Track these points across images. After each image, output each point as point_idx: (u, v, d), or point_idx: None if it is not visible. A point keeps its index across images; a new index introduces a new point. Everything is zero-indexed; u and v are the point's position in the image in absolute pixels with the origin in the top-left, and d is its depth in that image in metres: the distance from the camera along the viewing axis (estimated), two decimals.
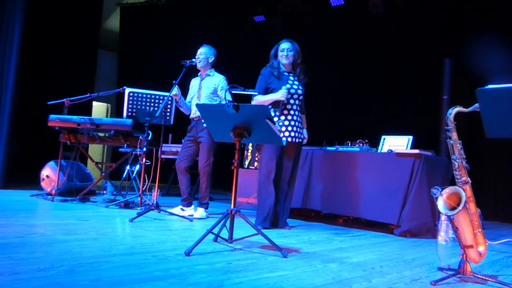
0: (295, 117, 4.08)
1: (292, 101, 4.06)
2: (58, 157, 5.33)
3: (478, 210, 2.54)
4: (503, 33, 6.25)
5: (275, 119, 4.04)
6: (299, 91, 4.09)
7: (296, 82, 4.11)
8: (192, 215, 4.48)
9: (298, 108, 4.12)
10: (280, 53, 4.13)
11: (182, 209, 4.60)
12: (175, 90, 4.51)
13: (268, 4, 9.05)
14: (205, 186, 4.57)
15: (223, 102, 4.56)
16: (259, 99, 3.97)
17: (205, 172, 4.55)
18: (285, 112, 4.05)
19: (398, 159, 4.35)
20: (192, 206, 4.66)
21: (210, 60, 4.69)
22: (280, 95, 3.93)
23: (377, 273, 2.52)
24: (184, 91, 4.75)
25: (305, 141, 4.23)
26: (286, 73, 4.13)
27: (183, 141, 4.71)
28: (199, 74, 4.76)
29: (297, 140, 4.09)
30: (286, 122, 4.04)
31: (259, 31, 9.39)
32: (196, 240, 2.75)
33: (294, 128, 4.06)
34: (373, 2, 7.64)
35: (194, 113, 4.60)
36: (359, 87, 7.60)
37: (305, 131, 4.24)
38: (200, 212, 4.51)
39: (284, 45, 4.14)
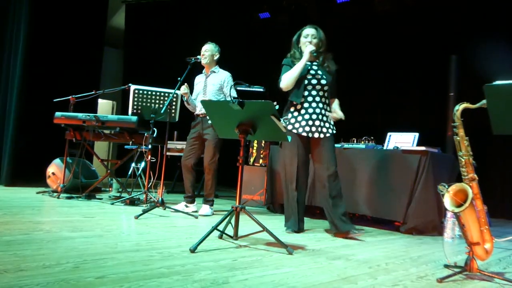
0: (317, 110, 3.68)
1: (314, 92, 3.70)
2: (64, 154, 5.34)
3: (485, 207, 2.52)
4: (510, 29, 6.21)
5: (292, 108, 3.75)
6: (323, 81, 3.70)
7: (320, 72, 3.73)
8: (195, 211, 4.50)
9: (323, 100, 3.72)
10: (303, 40, 3.78)
11: (186, 206, 4.61)
12: (185, 88, 4.52)
13: (273, 1, 9.02)
14: (210, 183, 4.58)
15: (228, 98, 4.58)
16: (286, 75, 3.66)
17: (210, 169, 4.55)
18: (305, 104, 3.70)
19: (404, 156, 4.33)
20: (195, 203, 4.68)
21: (215, 57, 4.70)
22: (306, 55, 3.63)
23: (382, 270, 2.51)
24: (190, 87, 4.74)
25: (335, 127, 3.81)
26: (308, 62, 3.75)
27: (187, 138, 4.71)
28: (203, 71, 4.75)
29: (310, 135, 3.68)
30: (305, 115, 3.69)
31: (265, 28, 9.38)
32: (201, 237, 2.75)
33: (310, 122, 3.67)
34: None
35: (200, 110, 4.60)
36: (365, 84, 7.57)
37: (339, 112, 3.78)
38: (206, 209, 4.51)
39: (308, 31, 3.78)
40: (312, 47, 3.68)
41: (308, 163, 3.86)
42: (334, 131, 3.78)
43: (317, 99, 3.71)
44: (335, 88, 3.83)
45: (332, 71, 3.79)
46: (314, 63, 3.79)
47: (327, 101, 3.77)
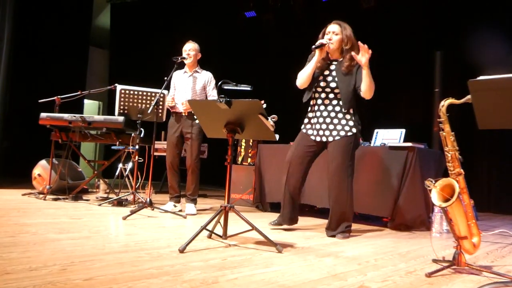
0: (324, 113, 3.56)
1: (323, 95, 3.57)
2: (50, 155, 5.28)
3: (472, 201, 2.54)
4: (494, 24, 6.28)
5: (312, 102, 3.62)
6: (332, 84, 3.54)
7: (334, 73, 3.56)
8: (181, 210, 4.51)
9: (333, 103, 3.56)
10: (325, 37, 3.57)
11: (175, 205, 4.61)
12: (171, 102, 4.56)
13: None
14: (194, 182, 4.58)
15: (210, 98, 4.59)
16: (299, 74, 3.56)
17: (194, 168, 4.55)
18: (315, 107, 3.62)
19: (391, 152, 4.35)
20: (181, 203, 4.68)
21: (198, 57, 4.71)
22: (317, 54, 3.49)
23: (372, 267, 2.52)
24: (167, 86, 4.73)
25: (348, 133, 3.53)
26: (329, 60, 3.61)
27: (168, 137, 4.69)
28: (185, 69, 4.73)
29: (317, 139, 3.60)
30: (310, 116, 3.65)
31: (251, 26, 9.37)
32: (190, 237, 2.74)
33: (317, 126, 3.59)
34: None
35: (184, 107, 4.56)
36: None
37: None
38: (191, 208, 4.51)
39: (330, 27, 3.58)
40: (324, 41, 3.49)
41: (306, 162, 3.69)
42: (349, 133, 3.52)
43: (326, 101, 3.58)
44: (357, 84, 3.51)
45: (352, 74, 3.52)
46: (334, 62, 3.62)
47: (340, 103, 3.55)
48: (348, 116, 3.56)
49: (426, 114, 6.26)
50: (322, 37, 3.59)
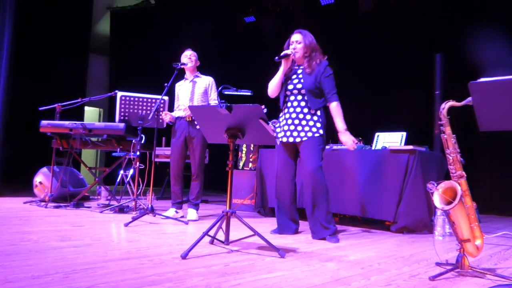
0: (293, 115, 3.66)
1: (292, 97, 3.69)
2: (51, 163, 5.28)
3: (474, 203, 2.53)
4: (494, 26, 6.28)
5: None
6: (298, 85, 3.66)
7: (300, 76, 3.70)
8: (183, 217, 4.49)
9: (301, 104, 3.65)
10: (290, 46, 3.73)
11: (177, 212, 4.59)
12: (168, 117, 4.57)
13: (258, 4, 9.05)
14: (198, 188, 4.57)
15: (212, 102, 4.59)
16: (270, 84, 3.73)
17: (198, 174, 4.55)
18: (285, 109, 3.73)
19: (393, 155, 4.35)
20: (182, 208, 4.67)
21: (197, 64, 4.72)
22: (283, 64, 3.66)
23: (375, 271, 2.51)
24: (173, 94, 4.74)
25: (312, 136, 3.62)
26: (296, 67, 3.77)
27: (172, 143, 4.68)
28: (185, 76, 4.74)
29: (290, 140, 3.67)
30: (283, 121, 3.73)
31: (251, 31, 9.39)
32: (192, 243, 2.73)
33: (285, 127, 3.69)
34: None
35: (186, 113, 4.56)
36: (351, 85, 7.60)
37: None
38: (193, 213, 4.51)
39: (293, 37, 3.74)
40: (288, 51, 3.65)
41: (290, 165, 3.79)
42: (316, 134, 3.60)
43: (295, 103, 3.68)
44: (326, 91, 3.65)
45: (315, 74, 3.64)
46: (302, 67, 3.75)
47: (308, 105, 3.65)
48: (315, 118, 3.65)
49: (427, 117, 6.25)
50: (287, 47, 3.74)
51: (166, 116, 4.58)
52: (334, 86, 3.69)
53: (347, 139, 3.60)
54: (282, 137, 3.72)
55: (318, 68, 3.66)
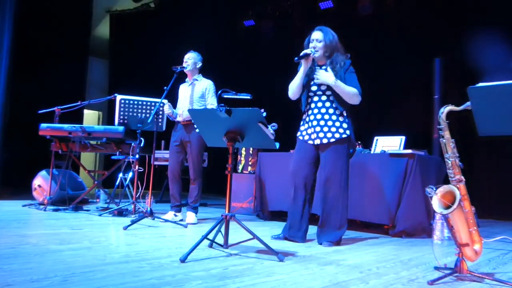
0: (318, 116, 3.54)
1: (316, 98, 3.57)
2: (50, 166, 5.28)
3: (473, 208, 2.54)
4: (493, 30, 6.29)
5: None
6: (323, 87, 3.54)
7: None
8: (182, 220, 4.49)
9: (326, 105, 3.54)
10: (310, 45, 3.59)
11: (175, 215, 4.59)
12: (168, 109, 4.54)
13: (258, 8, 9.06)
14: (197, 191, 4.58)
15: (209, 106, 4.59)
16: (290, 85, 3.60)
17: (196, 177, 4.55)
18: (309, 111, 3.60)
19: (392, 159, 4.35)
20: (181, 212, 4.67)
21: (198, 66, 4.73)
22: (303, 64, 3.51)
23: (374, 275, 2.51)
24: (175, 97, 4.74)
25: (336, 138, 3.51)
26: (318, 66, 3.62)
27: (170, 146, 4.69)
28: (186, 80, 4.76)
29: (315, 142, 3.55)
30: (305, 121, 3.64)
31: (250, 35, 9.41)
32: (191, 246, 2.73)
33: (311, 130, 3.56)
34: (362, 4, 7.68)
35: (185, 117, 4.57)
36: None
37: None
38: (192, 217, 4.51)
39: (313, 35, 3.59)
40: (307, 51, 3.50)
41: (308, 168, 3.62)
42: (344, 135, 3.51)
43: (319, 104, 3.56)
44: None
45: (339, 74, 3.53)
46: (323, 67, 3.61)
47: (332, 105, 3.55)
48: (341, 119, 3.56)
49: (426, 121, 6.26)
50: (308, 45, 3.61)
51: (168, 110, 4.58)
52: (358, 83, 3.62)
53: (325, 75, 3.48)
54: (308, 140, 3.61)
55: (340, 68, 3.58)
